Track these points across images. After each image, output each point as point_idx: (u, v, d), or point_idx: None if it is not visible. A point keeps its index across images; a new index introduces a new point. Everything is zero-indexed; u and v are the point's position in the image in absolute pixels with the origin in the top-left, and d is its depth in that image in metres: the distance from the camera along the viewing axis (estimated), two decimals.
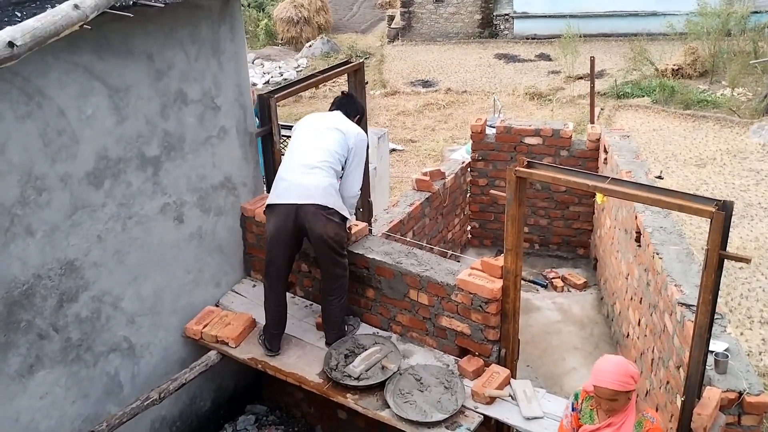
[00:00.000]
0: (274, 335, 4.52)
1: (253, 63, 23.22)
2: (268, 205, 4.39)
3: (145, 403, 4.18)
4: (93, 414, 4.18)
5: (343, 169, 4.44)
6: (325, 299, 4.49)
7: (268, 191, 5.28)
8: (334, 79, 6.12)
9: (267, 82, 21.24)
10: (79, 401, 4.10)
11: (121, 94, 3.97)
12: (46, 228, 3.72)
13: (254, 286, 5.11)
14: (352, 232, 4.68)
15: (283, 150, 5.00)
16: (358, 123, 4.70)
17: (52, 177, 3.70)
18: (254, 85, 18.48)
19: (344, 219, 4.36)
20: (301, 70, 22.56)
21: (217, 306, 4.93)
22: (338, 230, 4.29)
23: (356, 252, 4.59)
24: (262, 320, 4.74)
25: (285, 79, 20.95)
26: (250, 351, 4.54)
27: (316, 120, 4.60)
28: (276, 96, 5.08)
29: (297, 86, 5.42)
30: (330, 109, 4.75)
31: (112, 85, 3.91)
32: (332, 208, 4.24)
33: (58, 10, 2.73)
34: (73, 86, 3.71)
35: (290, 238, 4.34)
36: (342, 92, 4.88)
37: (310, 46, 25.11)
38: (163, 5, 3.74)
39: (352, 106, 4.74)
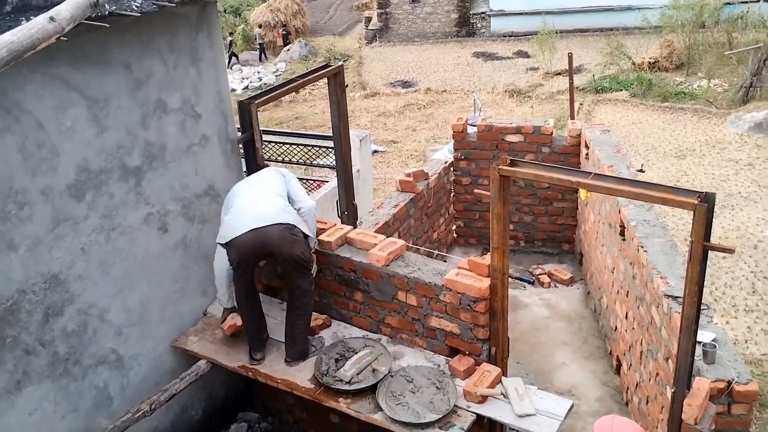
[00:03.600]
0: (251, 348, 4.53)
1: (231, 69, 23.13)
2: (227, 242, 4.25)
3: (136, 416, 4.14)
4: (83, 428, 4.13)
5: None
6: (292, 315, 4.42)
7: None
8: (313, 82, 6.10)
9: (246, 88, 21.16)
10: (68, 416, 4.05)
11: (100, 105, 3.93)
12: (28, 242, 3.68)
13: None
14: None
15: (265, 156, 4.98)
16: None
17: (32, 191, 3.65)
18: (233, 90, 18.40)
19: (306, 236, 4.33)
20: (279, 74, 22.49)
21: (205, 315, 4.90)
22: (305, 248, 4.28)
23: (343, 255, 4.58)
24: None
25: (264, 84, 20.90)
26: (240, 359, 4.52)
27: (247, 181, 4.64)
28: (257, 101, 5.06)
29: (277, 91, 5.39)
30: None
31: (90, 96, 3.87)
32: (296, 226, 4.22)
33: (34, 23, 2.70)
34: (51, 98, 3.67)
35: (254, 264, 4.38)
36: None
37: (288, 50, 25.05)
38: (139, 14, 3.70)
39: None
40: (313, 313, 4.77)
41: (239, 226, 4.20)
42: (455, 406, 3.94)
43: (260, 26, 26.81)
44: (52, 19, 2.77)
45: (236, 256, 4.23)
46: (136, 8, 3.69)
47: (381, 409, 3.95)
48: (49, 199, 3.74)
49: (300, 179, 8.69)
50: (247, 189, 4.48)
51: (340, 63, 5.61)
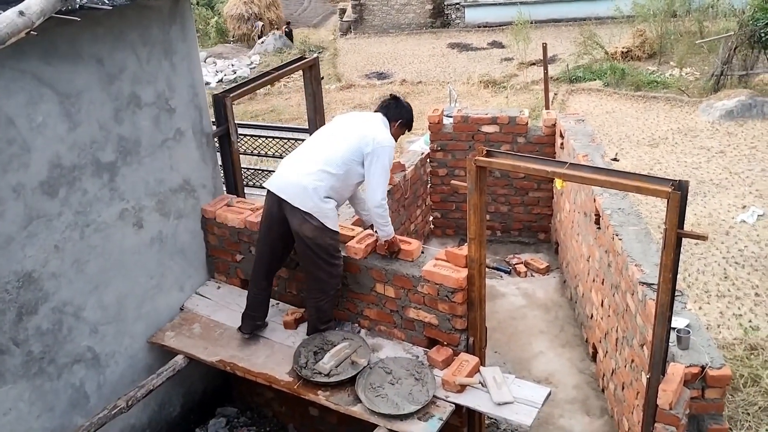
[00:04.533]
0: (246, 316, 4.54)
1: (205, 62, 22.93)
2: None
3: (113, 413, 4.10)
4: (59, 427, 4.09)
5: (353, 174, 4.28)
6: (306, 296, 4.51)
7: (228, 192, 5.23)
8: (288, 75, 6.07)
9: (220, 81, 20.98)
10: (44, 415, 4.01)
11: (72, 100, 3.88)
12: (0, 240, 3.62)
13: (219, 287, 5.06)
14: (401, 249, 4.39)
15: (241, 150, 4.93)
16: (400, 128, 4.50)
17: (4, 188, 3.60)
18: (207, 84, 18.24)
19: (327, 227, 4.19)
20: (254, 67, 22.34)
21: (182, 310, 4.87)
22: (317, 233, 4.16)
23: None
24: (228, 321, 4.71)
25: (239, 77, 20.75)
26: (218, 353, 4.50)
27: (347, 119, 4.47)
28: (231, 95, 5.03)
29: (252, 85, 5.36)
30: (375, 110, 4.58)
31: (62, 91, 3.82)
32: (308, 212, 4.13)
33: (3, 18, 2.65)
34: (22, 94, 3.61)
35: (277, 224, 4.28)
36: (390, 95, 4.68)
37: (263, 42, 24.87)
38: (110, 7, 3.65)
39: (394, 110, 4.48)
40: (291, 306, 4.78)
41: (273, 181, 4.28)
42: (434, 396, 3.96)
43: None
44: (21, 13, 2.73)
45: (265, 205, 4.34)
46: (107, 1, 3.64)
47: (360, 401, 3.96)
48: (21, 196, 3.69)
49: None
50: (320, 136, 4.40)
51: (315, 55, 5.59)
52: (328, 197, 4.19)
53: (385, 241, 4.36)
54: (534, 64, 17.85)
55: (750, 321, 6.66)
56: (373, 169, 4.20)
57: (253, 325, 4.56)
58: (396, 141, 4.49)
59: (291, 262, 4.63)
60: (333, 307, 4.51)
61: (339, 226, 4.66)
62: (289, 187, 4.19)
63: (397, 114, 4.48)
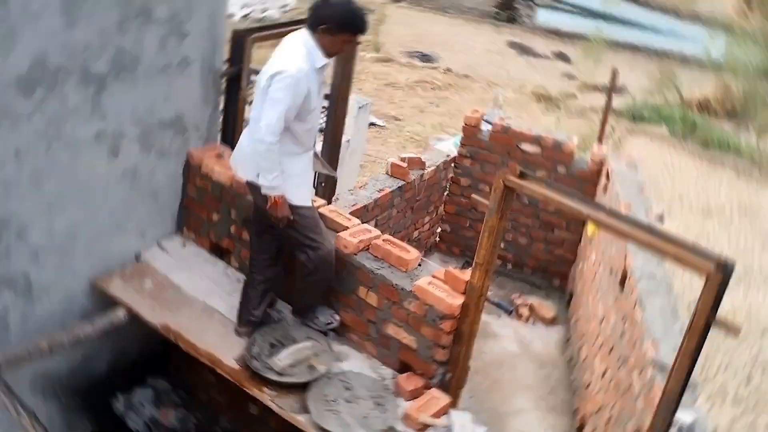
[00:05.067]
0: (240, 305, 4.51)
1: None
2: None
3: (31, 351, 4.11)
4: None
5: None
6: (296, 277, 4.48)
7: (223, 140, 5.24)
8: None
9: (246, 16, 20.96)
10: None
11: None
12: None
13: (184, 245, 5.06)
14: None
15: (249, 98, 4.92)
16: (331, 35, 3.90)
17: None
18: (231, 15, 18.20)
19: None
20: (287, 11, 22.30)
21: (137, 259, 4.87)
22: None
23: None
24: (184, 285, 4.71)
25: (266, 18, 20.71)
26: (165, 317, 4.50)
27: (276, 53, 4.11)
28: (254, 36, 5.02)
29: (279, 29, 5.35)
30: None
31: None
32: (253, 182, 4.11)
33: None
34: None
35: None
36: None
37: None
38: None
39: (316, 14, 3.90)
40: None
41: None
42: (391, 428, 3.95)
43: None
44: None
45: None
46: None
47: (308, 412, 3.96)
48: None
49: None
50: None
51: None
52: None
53: (270, 198, 4.03)
54: (598, 89, 17.79)
55: None
56: (270, 91, 3.84)
57: (245, 319, 4.45)
58: (338, 52, 4.18)
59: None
60: (321, 294, 4.49)
61: (336, 212, 4.65)
62: (237, 154, 4.27)
63: (322, 18, 3.86)
